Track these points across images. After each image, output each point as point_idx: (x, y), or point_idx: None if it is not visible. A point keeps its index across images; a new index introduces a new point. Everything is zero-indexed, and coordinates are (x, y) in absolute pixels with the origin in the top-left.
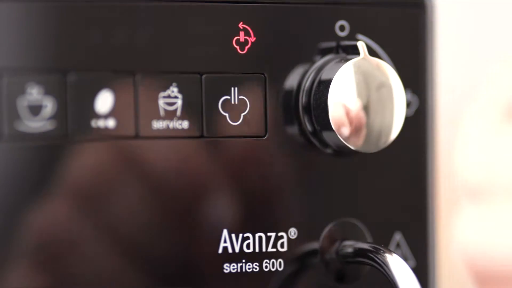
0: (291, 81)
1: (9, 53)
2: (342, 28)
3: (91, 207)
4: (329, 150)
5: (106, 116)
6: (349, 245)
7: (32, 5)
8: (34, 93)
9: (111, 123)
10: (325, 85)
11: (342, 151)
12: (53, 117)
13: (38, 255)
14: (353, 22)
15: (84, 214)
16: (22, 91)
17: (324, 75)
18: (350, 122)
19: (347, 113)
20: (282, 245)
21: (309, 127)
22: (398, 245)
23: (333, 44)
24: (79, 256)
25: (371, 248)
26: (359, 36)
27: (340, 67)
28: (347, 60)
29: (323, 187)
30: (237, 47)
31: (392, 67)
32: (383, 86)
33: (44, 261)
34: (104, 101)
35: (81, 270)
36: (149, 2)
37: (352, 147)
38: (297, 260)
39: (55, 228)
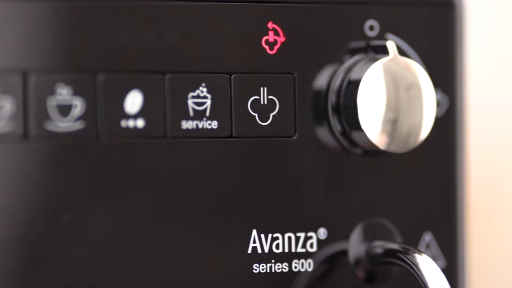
0: (320, 81)
1: (38, 54)
2: (371, 28)
3: (122, 206)
4: (358, 150)
5: (135, 116)
6: (379, 246)
7: (61, 5)
8: (63, 93)
9: (140, 123)
10: (354, 85)
11: (371, 151)
12: (83, 117)
13: (73, 253)
14: (382, 22)
15: (114, 212)
16: (52, 92)
17: (353, 75)
18: (379, 123)
19: (376, 114)
20: (311, 246)
21: (338, 127)
22: (427, 245)
23: (362, 44)
24: (116, 253)
25: (400, 249)
26: (389, 35)
27: (369, 67)
28: (377, 60)
29: (352, 187)
30: (266, 47)
31: (422, 67)
32: (413, 86)
33: (81, 259)
34: (134, 101)
35: (118, 268)
36: (178, 2)
37: (381, 148)
38: (327, 260)
39: (89, 227)
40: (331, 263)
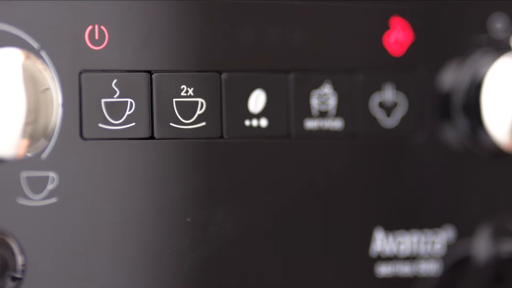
0: (445, 79)
1: (163, 54)
2: (498, 22)
3: (245, 206)
4: (485, 152)
5: (259, 116)
6: (507, 248)
7: (184, 4)
8: (188, 93)
9: (264, 122)
10: (480, 84)
11: (498, 153)
12: (207, 116)
13: (196, 252)
14: (511, 15)
15: (237, 212)
16: (176, 91)
17: (479, 74)
18: (506, 124)
19: (503, 114)
20: (438, 248)
21: (464, 128)
22: None
23: (488, 39)
24: (238, 252)
25: None
26: None
27: (496, 64)
28: (505, 56)
29: (478, 188)
30: (393, 44)
31: None
32: None
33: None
34: (257, 100)
35: (239, 267)
36: (301, 1)
37: (508, 150)
38: (454, 264)
39: (212, 226)
40: (458, 267)
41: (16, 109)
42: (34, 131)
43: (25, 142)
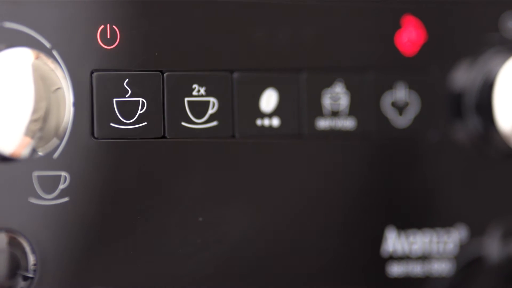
0: (459, 78)
1: (174, 53)
2: (510, 20)
3: (257, 204)
4: (497, 151)
5: (271, 115)
6: None
7: (196, 4)
8: (200, 92)
9: (275, 122)
10: (493, 83)
11: (510, 153)
12: (219, 115)
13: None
14: None
15: (248, 211)
16: (188, 90)
17: (492, 73)
18: None
19: None
20: (451, 248)
21: (476, 127)
22: None
23: (501, 38)
24: (249, 252)
25: None
26: None
27: (508, 63)
28: None
29: (491, 189)
30: (405, 43)
31: None
32: None
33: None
34: (269, 99)
35: (252, 267)
36: (312, 1)
37: None
38: (466, 264)
39: (223, 226)
40: (471, 267)
41: (22, 107)
42: (42, 130)
43: (26, 140)
